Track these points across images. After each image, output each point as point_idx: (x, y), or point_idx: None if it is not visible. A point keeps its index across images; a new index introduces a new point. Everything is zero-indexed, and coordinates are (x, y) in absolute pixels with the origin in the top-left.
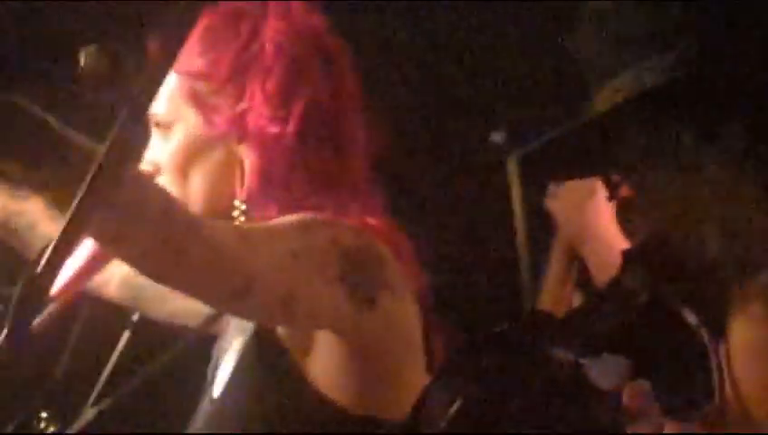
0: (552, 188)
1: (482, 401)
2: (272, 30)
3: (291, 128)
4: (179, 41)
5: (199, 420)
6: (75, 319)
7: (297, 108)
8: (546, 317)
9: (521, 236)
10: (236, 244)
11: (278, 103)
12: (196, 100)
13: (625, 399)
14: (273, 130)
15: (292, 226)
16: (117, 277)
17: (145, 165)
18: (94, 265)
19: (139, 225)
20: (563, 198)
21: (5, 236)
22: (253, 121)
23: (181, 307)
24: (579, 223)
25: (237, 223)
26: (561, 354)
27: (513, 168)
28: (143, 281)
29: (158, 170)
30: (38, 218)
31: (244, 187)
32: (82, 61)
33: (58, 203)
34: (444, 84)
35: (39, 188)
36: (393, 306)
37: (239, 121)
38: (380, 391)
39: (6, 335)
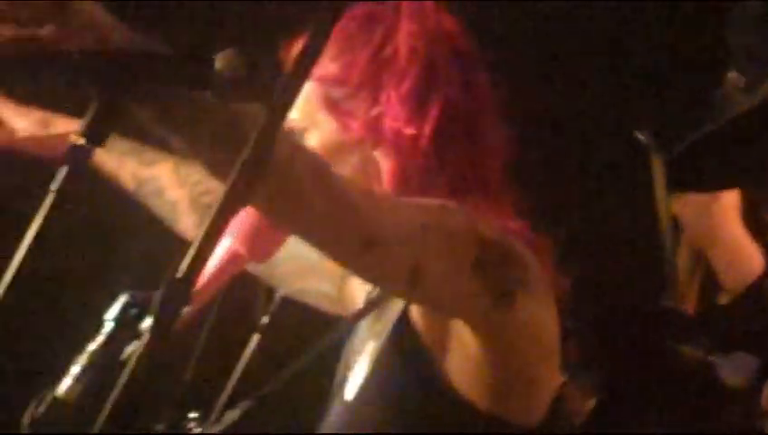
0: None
1: (615, 399)
2: (405, 32)
3: (427, 130)
4: (319, 46)
5: (331, 422)
6: (203, 321)
7: (433, 110)
8: (678, 314)
9: (666, 239)
10: (366, 200)
11: (413, 106)
12: (331, 105)
13: (764, 399)
14: (409, 132)
15: (429, 204)
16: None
17: None
18: (231, 266)
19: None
20: (689, 201)
21: (140, 198)
22: (388, 125)
23: (315, 286)
24: (705, 225)
25: None
26: (692, 351)
27: (658, 168)
28: (279, 256)
29: None
30: (166, 185)
31: (383, 191)
32: (217, 65)
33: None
34: (578, 82)
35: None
36: (532, 307)
37: (375, 126)
38: (515, 393)
39: (149, 339)
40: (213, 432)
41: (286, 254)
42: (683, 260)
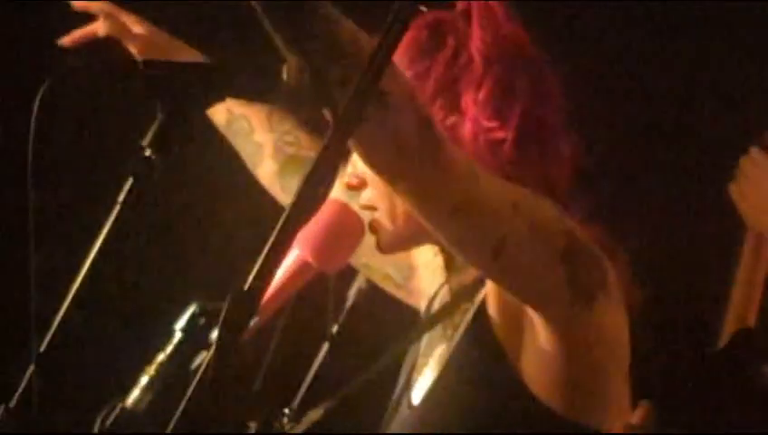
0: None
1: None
2: (478, 40)
3: (509, 136)
4: (389, 52)
5: (398, 427)
6: (273, 331)
7: (512, 117)
8: (754, 334)
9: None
10: (463, 166)
11: (492, 114)
12: None
13: None
14: (492, 139)
15: (523, 190)
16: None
17: (350, 178)
18: (299, 276)
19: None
20: (748, 188)
21: (228, 135)
22: (469, 133)
23: (379, 266)
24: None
25: None
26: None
27: None
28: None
29: (363, 183)
30: (256, 126)
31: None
32: (284, 75)
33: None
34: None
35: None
36: (609, 312)
37: (452, 134)
38: (587, 395)
39: (215, 351)
40: (294, 432)
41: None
42: (748, 249)
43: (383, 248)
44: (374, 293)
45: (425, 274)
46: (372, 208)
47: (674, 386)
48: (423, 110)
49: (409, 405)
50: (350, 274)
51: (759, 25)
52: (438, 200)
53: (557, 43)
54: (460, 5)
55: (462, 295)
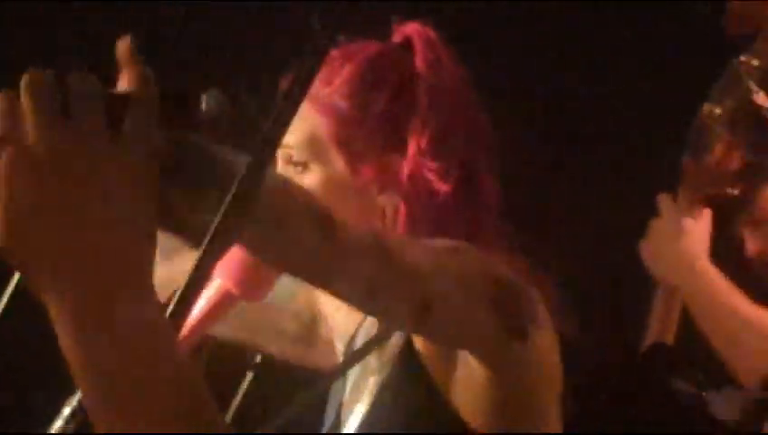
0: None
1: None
2: (424, 81)
3: (449, 183)
4: (306, 84)
5: None
6: (198, 360)
7: (452, 165)
8: (669, 350)
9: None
10: (371, 245)
11: (433, 159)
12: (342, 144)
13: None
14: (430, 185)
15: (443, 244)
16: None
17: None
18: (222, 306)
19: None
20: (653, 245)
21: None
22: (406, 174)
23: (283, 327)
24: (675, 268)
25: None
26: (684, 386)
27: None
28: (257, 316)
29: None
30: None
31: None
32: (204, 105)
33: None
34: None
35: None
36: (543, 344)
37: (386, 170)
38: (522, 425)
39: None
40: None
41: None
42: (661, 298)
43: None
44: None
45: (338, 316)
46: None
47: (592, 398)
48: (318, 209)
49: None
50: None
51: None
52: (350, 284)
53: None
54: (398, 37)
55: (390, 329)
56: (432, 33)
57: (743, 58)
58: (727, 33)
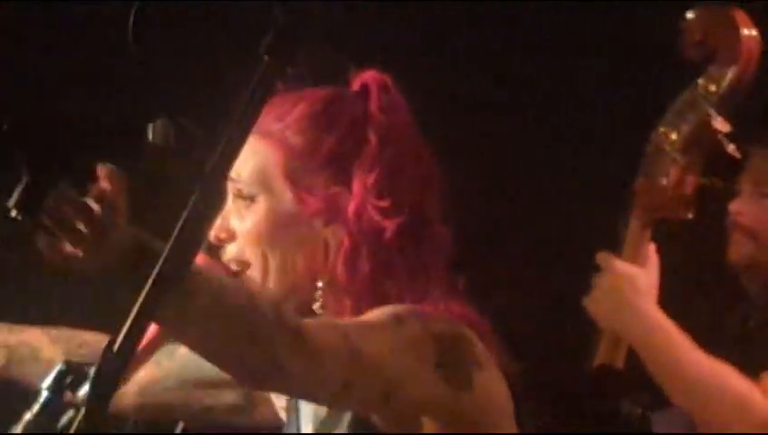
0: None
1: None
2: (375, 121)
3: (393, 225)
4: (252, 118)
5: None
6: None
7: (399, 206)
8: (615, 372)
9: None
10: (337, 343)
11: (380, 198)
12: (291, 177)
13: None
14: (376, 224)
15: (387, 319)
16: (163, 362)
17: (220, 231)
18: (157, 343)
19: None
20: (598, 303)
21: (12, 369)
22: (353, 211)
23: (221, 400)
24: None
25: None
26: (629, 408)
27: None
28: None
29: (232, 237)
30: (39, 346)
31: (328, 268)
32: (150, 135)
33: None
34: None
35: None
36: (488, 383)
37: (333, 204)
38: None
39: (86, 411)
40: None
41: (176, 379)
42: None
43: None
44: None
45: None
46: (245, 265)
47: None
48: (287, 323)
49: None
50: None
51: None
52: (323, 387)
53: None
54: (357, 85)
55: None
56: (387, 80)
57: (700, 82)
58: (683, 57)
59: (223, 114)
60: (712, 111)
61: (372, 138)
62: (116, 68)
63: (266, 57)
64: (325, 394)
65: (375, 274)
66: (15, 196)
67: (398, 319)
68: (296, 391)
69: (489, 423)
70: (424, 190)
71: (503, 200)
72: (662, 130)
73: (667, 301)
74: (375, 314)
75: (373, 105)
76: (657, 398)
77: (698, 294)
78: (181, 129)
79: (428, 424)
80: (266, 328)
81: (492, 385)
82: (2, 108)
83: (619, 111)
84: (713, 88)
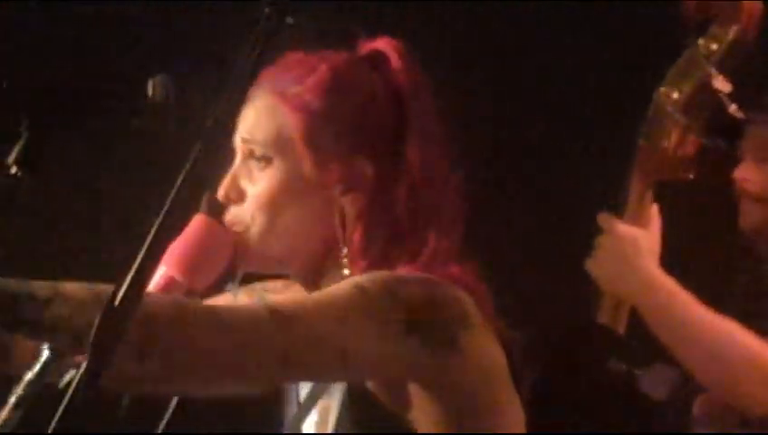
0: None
1: (542, 414)
2: (395, 85)
3: (405, 188)
4: (253, 74)
5: None
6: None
7: (415, 167)
8: (603, 329)
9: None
10: (267, 322)
11: (400, 167)
12: (311, 142)
13: (696, 407)
14: (393, 190)
15: (348, 289)
16: None
17: (230, 191)
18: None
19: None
20: (601, 264)
21: None
22: (371, 178)
23: None
24: (628, 288)
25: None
26: (616, 365)
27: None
28: None
29: (241, 199)
30: None
31: (342, 237)
32: (149, 91)
33: None
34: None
35: None
36: (477, 345)
37: (354, 173)
38: (484, 427)
39: (85, 369)
40: None
41: None
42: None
43: (241, 267)
44: None
45: None
46: (245, 227)
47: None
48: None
49: None
50: (216, 289)
51: None
52: (261, 366)
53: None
54: (369, 50)
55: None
56: (403, 47)
57: (701, 41)
58: (685, 17)
59: (224, 68)
60: (713, 71)
61: (407, 105)
62: (116, 22)
63: (267, 8)
64: (267, 370)
65: (389, 244)
66: (15, 152)
67: (360, 288)
68: (236, 376)
69: (485, 390)
70: (438, 152)
71: (504, 161)
72: (663, 90)
73: (675, 263)
74: (339, 285)
75: (399, 71)
76: (642, 354)
77: (706, 255)
78: (180, 85)
79: (418, 394)
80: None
81: (484, 348)
82: (1, 65)
83: (620, 71)
84: (714, 47)
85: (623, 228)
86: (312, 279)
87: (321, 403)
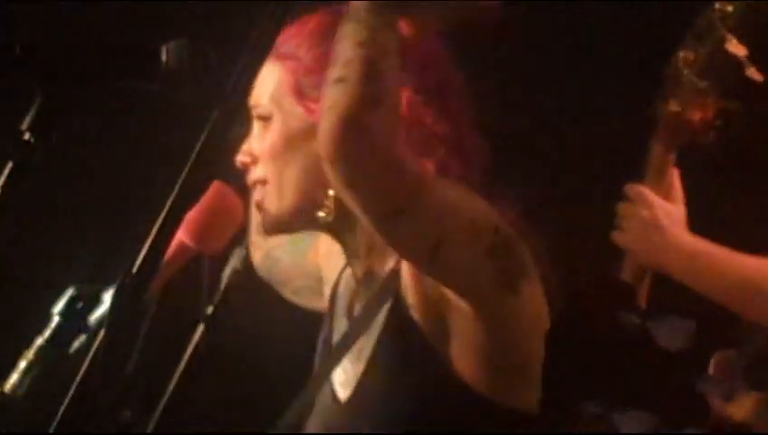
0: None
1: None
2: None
3: (445, 129)
4: (270, 40)
5: (323, 422)
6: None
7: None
8: (613, 282)
9: None
10: (414, 172)
11: (426, 104)
12: (300, 93)
13: (712, 367)
14: (430, 127)
15: (461, 190)
16: (263, 249)
17: (244, 156)
18: (177, 257)
19: None
20: (629, 235)
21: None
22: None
23: (304, 286)
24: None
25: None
26: (629, 318)
27: None
28: (279, 257)
29: (255, 161)
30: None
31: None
32: (164, 57)
33: None
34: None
35: None
36: (531, 295)
37: None
38: (516, 377)
39: (105, 333)
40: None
41: (271, 261)
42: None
43: (267, 229)
44: (249, 273)
45: (327, 266)
46: (262, 182)
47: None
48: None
49: (335, 400)
50: (225, 255)
51: None
52: (384, 201)
53: None
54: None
55: (370, 282)
56: None
57: (717, 5)
58: None
59: (240, 36)
60: (728, 34)
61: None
62: None
63: None
64: (384, 210)
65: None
66: (29, 118)
67: (472, 199)
68: (356, 189)
69: (526, 338)
70: (438, 83)
71: (523, 122)
72: (681, 53)
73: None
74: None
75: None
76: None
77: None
78: (196, 51)
79: (468, 321)
80: None
81: (536, 302)
82: (16, 29)
83: (639, 34)
84: (729, 9)
85: (656, 199)
86: (339, 227)
87: (355, 347)
